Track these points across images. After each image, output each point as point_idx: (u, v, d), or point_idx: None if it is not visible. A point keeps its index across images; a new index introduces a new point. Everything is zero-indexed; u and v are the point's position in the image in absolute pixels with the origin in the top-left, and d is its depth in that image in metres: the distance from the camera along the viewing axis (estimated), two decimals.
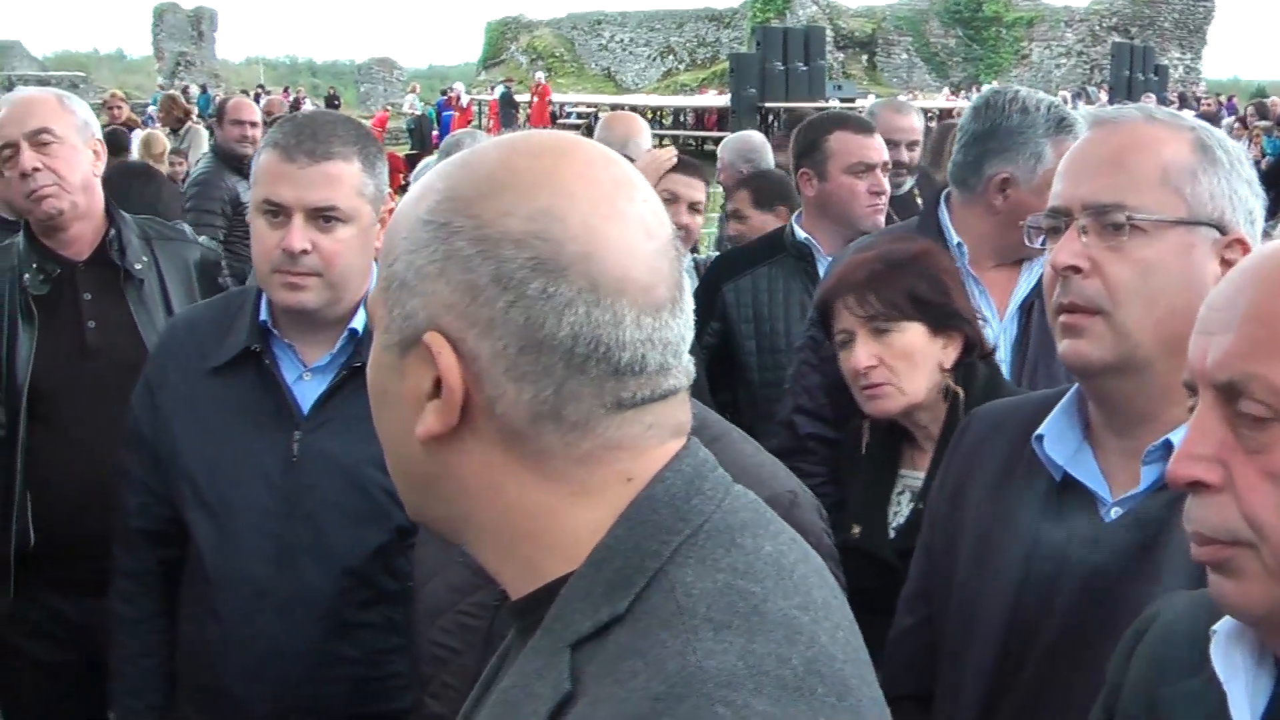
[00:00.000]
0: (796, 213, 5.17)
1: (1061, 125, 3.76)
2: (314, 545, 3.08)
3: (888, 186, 5.03)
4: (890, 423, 3.38)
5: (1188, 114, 2.53)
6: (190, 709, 3.27)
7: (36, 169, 4.03)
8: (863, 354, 3.24)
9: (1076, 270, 2.19)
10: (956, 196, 3.96)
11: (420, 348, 1.29)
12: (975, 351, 3.30)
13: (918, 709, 2.52)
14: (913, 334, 3.23)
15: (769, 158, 7.51)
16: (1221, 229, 2.19)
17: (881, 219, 4.92)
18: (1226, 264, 2.17)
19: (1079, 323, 2.20)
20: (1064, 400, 2.34)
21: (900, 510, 3.33)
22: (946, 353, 3.26)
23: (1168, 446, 2.10)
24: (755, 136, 7.98)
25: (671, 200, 5.33)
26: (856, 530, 3.32)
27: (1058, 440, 2.29)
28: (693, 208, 5.50)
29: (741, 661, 1.16)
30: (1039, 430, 2.30)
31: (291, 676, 3.09)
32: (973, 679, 2.33)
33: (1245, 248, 2.18)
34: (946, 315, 3.25)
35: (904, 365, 3.23)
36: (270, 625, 3.09)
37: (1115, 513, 2.20)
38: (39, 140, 4.06)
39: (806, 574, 1.34)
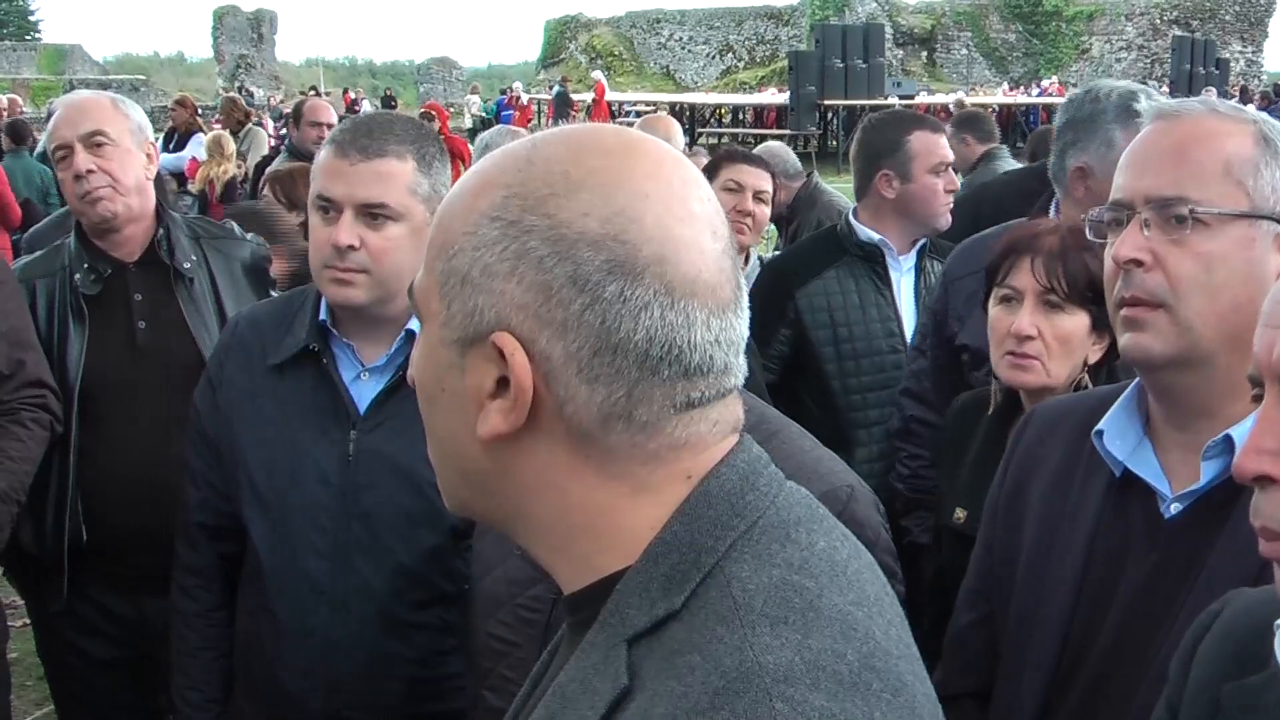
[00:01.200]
0: (850, 210, 5.15)
1: (1130, 110, 3.76)
2: (369, 544, 3.09)
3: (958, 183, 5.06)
4: (1006, 405, 3.34)
5: (1250, 108, 2.50)
6: (247, 704, 3.31)
7: (90, 171, 4.07)
8: (1027, 321, 3.17)
9: (1139, 264, 2.17)
10: (1059, 196, 4.01)
11: (486, 346, 1.27)
12: (1117, 354, 3.26)
13: (976, 707, 2.52)
14: (1079, 321, 3.18)
15: (794, 162, 7.97)
16: None
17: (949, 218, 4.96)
18: None
19: (1141, 316, 2.18)
20: (1124, 395, 2.32)
21: None
22: (1095, 349, 3.21)
23: (1228, 441, 2.08)
24: (775, 144, 8.37)
25: (737, 189, 5.35)
26: (961, 515, 3.30)
27: (1118, 436, 2.27)
28: (758, 197, 5.50)
29: (798, 657, 1.17)
30: (1099, 425, 2.28)
31: (346, 674, 3.11)
32: (1032, 676, 2.32)
33: None
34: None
35: (1060, 348, 3.17)
36: (325, 623, 3.11)
37: (1175, 508, 2.18)
38: (93, 142, 4.10)
39: (859, 569, 1.34)
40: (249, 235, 4.74)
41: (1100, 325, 3.15)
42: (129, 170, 4.16)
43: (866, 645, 1.23)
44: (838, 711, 1.14)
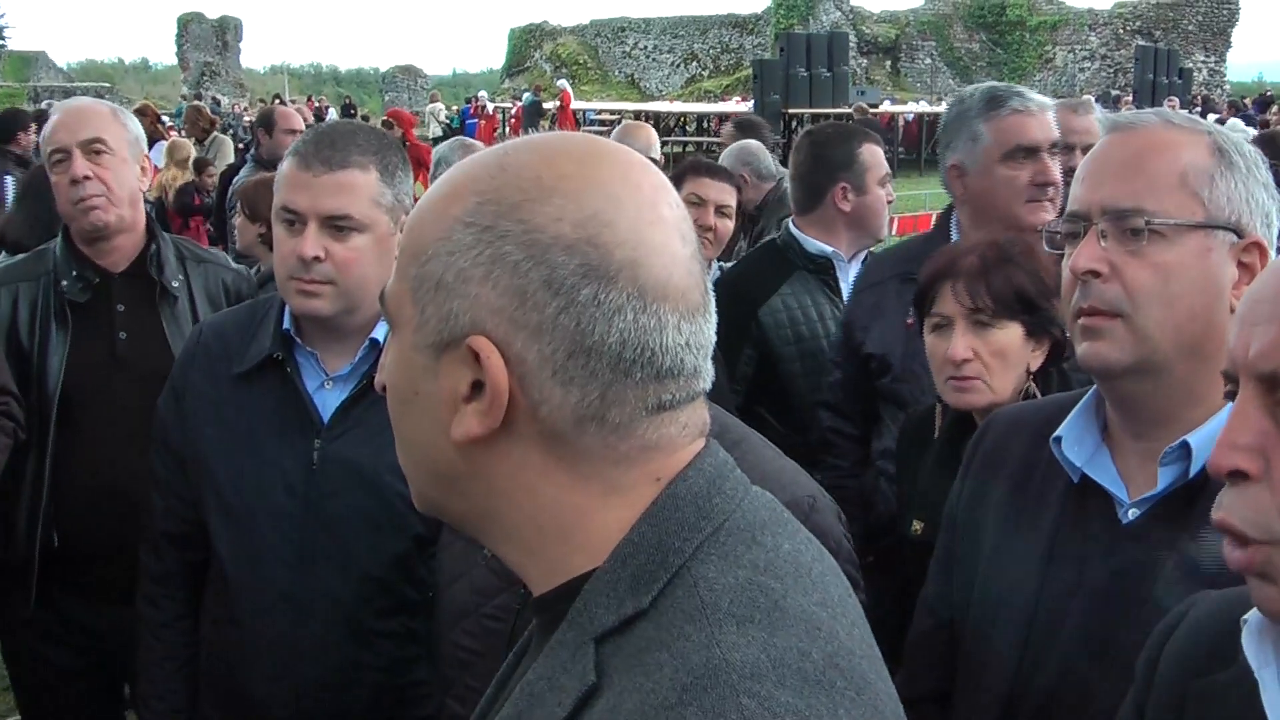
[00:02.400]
0: (788, 219, 5.20)
1: (991, 104, 3.94)
2: (334, 552, 3.10)
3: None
4: (957, 420, 3.37)
5: (1213, 118, 2.53)
6: (212, 712, 3.31)
7: (87, 177, 4.08)
8: (960, 345, 3.20)
9: (1096, 274, 2.20)
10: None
11: (460, 350, 1.29)
12: (1061, 357, 3.29)
13: (937, 710, 2.54)
14: (1012, 334, 3.20)
15: (768, 163, 7.86)
16: (1239, 232, 2.19)
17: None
18: (1243, 267, 2.19)
19: (1098, 325, 2.21)
20: (1082, 402, 2.35)
21: None
22: (1035, 356, 3.24)
23: (1185, 448, 2.12)
24: (753, 143, 8.17)
25: (699, 204, 5.32)
26: (918, 527, 3.32)
27: (1076, 442, 2.30)
28: (720, 211, 5.48)
29: (765, 655, 1.19)
30: (1057, 432, 2.31)
31: (311, 681, 3.12)
32: (992, 680, 2.35)
33: (1263, 250, 2.19)
34: (1045, 319, 3.22)
35: (998, 363, 3.20)
36: (290, 630, 3.11)
37: (1133, 514, 2.21)
38: (92, 149, 4.11)
39: (823, 572, 1.37)
40: (236, 264, 4.76)
41: (1035, 332, 3.20)
42: (124, 181, 4.17)
43: (831, 644, 1.25)
44: (803, 708, 1.16)
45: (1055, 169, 3.88)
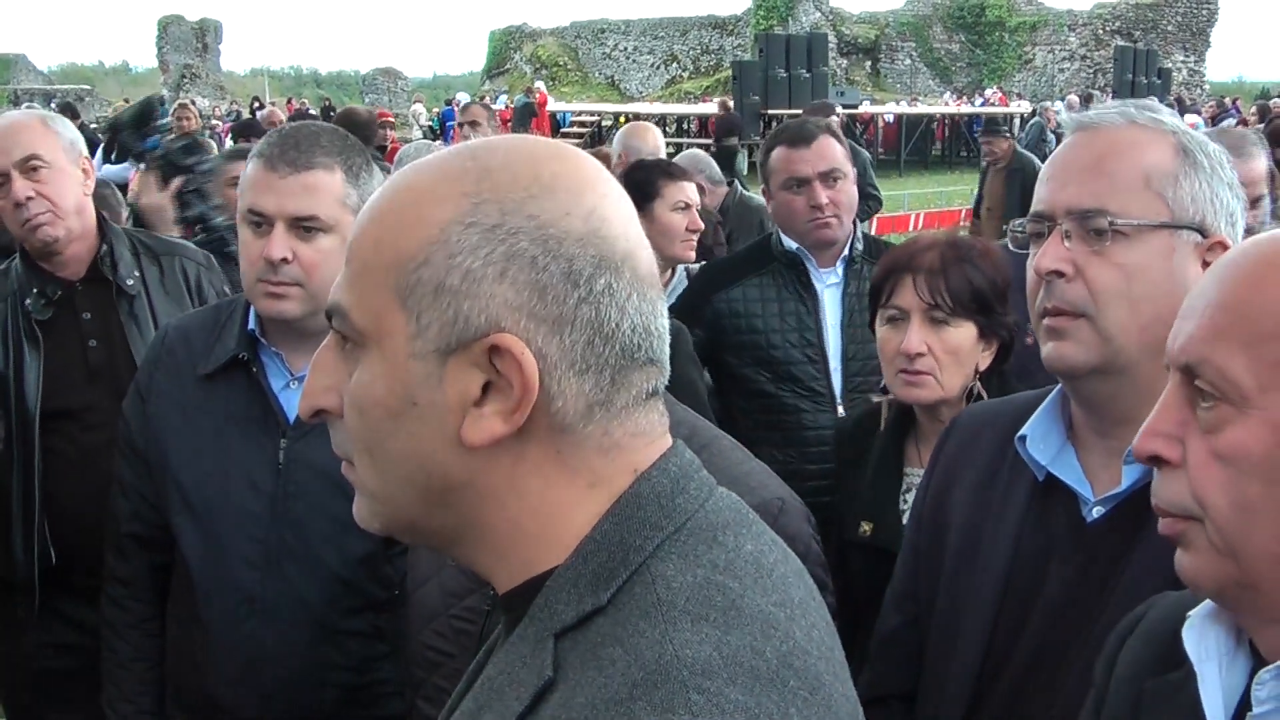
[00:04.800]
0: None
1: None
2: (301, 552, 3.10)
3: None
4: (899, 418, 3.40)
5: (1191, 118, 2.55)
6: (179, 714, 3.30)
7: (30, 198, 4.05)
8: (915, 339, 3.22)
9: (1060, 275, 2.21)
10: None
11: (471, 352, 1.28)
12: (1006, 360, 3.32)
13: (904, 708, 2.56)
14: (965, 332, 3.24)
15: (716, 169, 8.46)
16: (1203, 232, 2.20)
17: None
18: (1208, 266, 2.20)
19: (1063, 325, 2.22)
20: (1047, 401, 2.36)
21: (907, 508, 3.31)
22: (984, 356, 3.28)
23: None
24: (699, 152, 8.72)
25: (686, 208, 5.30)
26: (867, 528, 3.33)
27: (1040, 440, 2.31)
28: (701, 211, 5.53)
29: (717, 652, 1.20)
30: (1022, 431, 2.32)
31: (278, 682, 3.11)
32: (957, 678, 2.36)
33: (1226, 250, 2.20)
34: (998, 322, 3.26)
35: (949, 360, 3.23)
36: (256, 631, 3.11)
37: (1097, 512, 2.22)
38: (29, 167, 4.08)
39: (785, 574, 1.38)
40: (190, 246, 4.73)
41: (987, 333, 3.24)
42: (66, 192, 4.15)
43: (786, 644, 1.26)
44: (753, 705, 1.17)
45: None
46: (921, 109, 48.38)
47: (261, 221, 3.03)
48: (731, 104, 35.45)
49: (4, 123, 4.29)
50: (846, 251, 4.82)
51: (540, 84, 51.68)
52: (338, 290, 1.37)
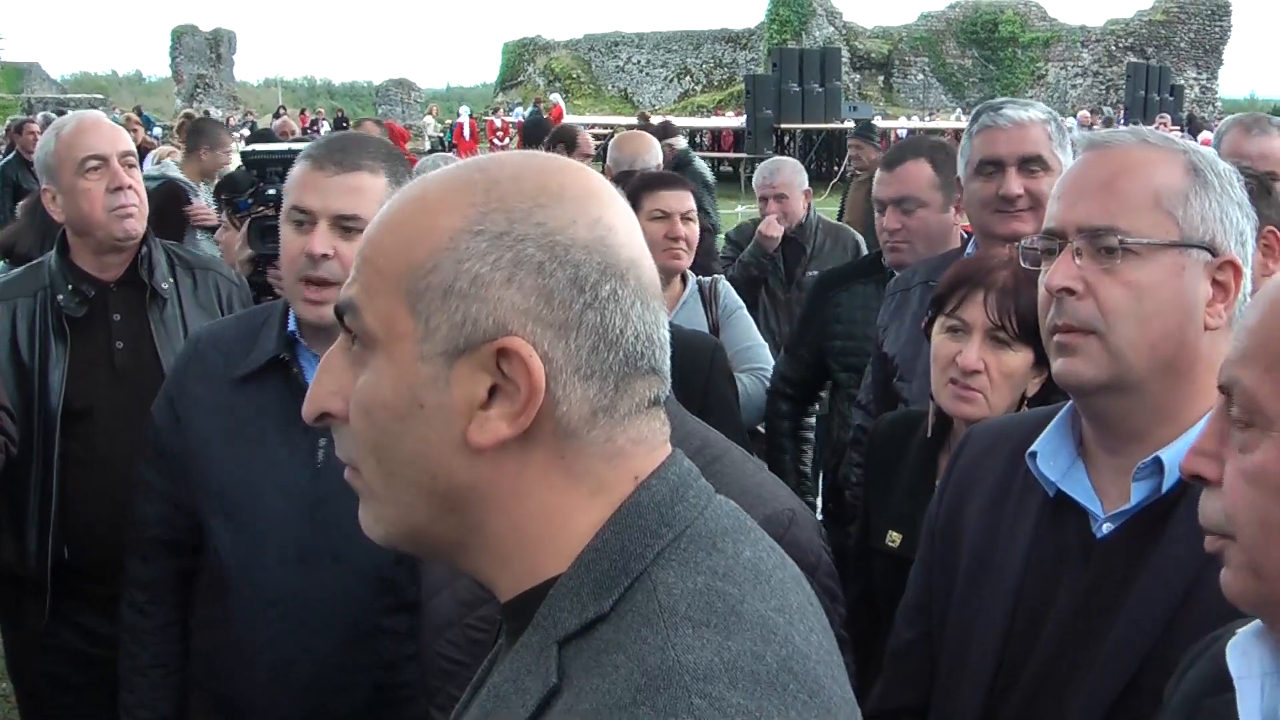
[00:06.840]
0: None
1: (979, 118, 4.00)
2: (338, 552, 3.10)
3: None
4: (939, 431, 3.39)
5: (1204, 135, 2.56)
6: (207, 718, 3.31)
7: (130, 185, 4.18)
8: (974, 355, 3.19)
9: (1070, 292, 2.22)
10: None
11: (480, 354, 1.30)
12: (1054, 392, 3.29)
13: None
14: (1023, 358, 3.20)
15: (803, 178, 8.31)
16: (1213, 251, 2.21)
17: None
18: (1218, 285, 2.22)
19: (1073, 342, 2.23)
20: (1057, 418, 2.38)
21: None
22: (1034, 383, 3.24)
23: (1158, 463, 2.15)
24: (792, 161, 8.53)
25: (663, 217, 5.26)
26: (896, 538, 3.34)
27: (1051, 457, 2.33)
28: (685, 217, 5.41)
29: (718, 657, 1.22)
30: (1032, 447, 2.34)
31: (312, 683, 3.13)
32: (969, 693, 2.37)
33: (1236, 269, 2.22)
34: None
35: (1003, 382, 3.20)
36: (292, 631, 3.13)
37: (1107, 528, 2.23)
38: (127, 162, 4.23)
39: (784, 579, 1.40)
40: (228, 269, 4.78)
41: (1042, 360, 3.16)
42: (144, 196, 4.30)
43: (785, 649, 1.28)
44: (754, 709, 1.19)
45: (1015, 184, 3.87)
46: (934, 124, 48.35)
47: (304, 220, 3.08)
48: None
49: (99, 118, 4.45)
50: None
51: (556, 96, 51.72)
52: (349, 288, 1.40)
